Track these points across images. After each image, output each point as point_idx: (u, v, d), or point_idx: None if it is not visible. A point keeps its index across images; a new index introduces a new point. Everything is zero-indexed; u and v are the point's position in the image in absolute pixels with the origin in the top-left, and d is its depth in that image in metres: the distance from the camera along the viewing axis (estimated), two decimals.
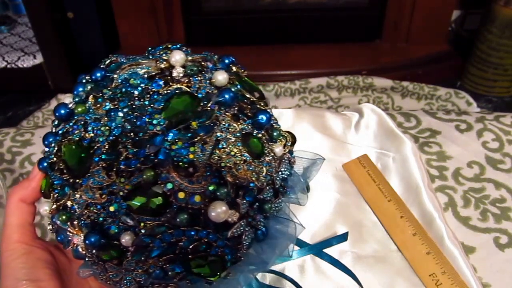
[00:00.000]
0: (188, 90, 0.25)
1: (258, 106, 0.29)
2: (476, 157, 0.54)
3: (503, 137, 0.56)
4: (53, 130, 0.28)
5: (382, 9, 1.46)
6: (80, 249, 0.27)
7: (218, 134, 0.25)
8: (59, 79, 1.44)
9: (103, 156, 0.24)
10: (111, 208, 0.24)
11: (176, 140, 0.24)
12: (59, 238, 0.28)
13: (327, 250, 0.42)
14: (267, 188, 0.27)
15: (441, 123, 0.58)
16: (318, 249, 0.41)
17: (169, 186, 0.24)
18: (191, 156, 0.24)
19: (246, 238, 0.26)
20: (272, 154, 0.28)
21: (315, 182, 0.47)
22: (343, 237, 0.42)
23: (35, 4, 1.30)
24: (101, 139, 0.25)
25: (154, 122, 0.24)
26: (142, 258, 0.25)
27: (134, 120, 0.25)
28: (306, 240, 0.43)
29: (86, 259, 0.27)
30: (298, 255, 0.41)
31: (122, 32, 1.46)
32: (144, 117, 0.25)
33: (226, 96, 0.26)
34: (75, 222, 0.26)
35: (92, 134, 0.25)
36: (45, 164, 0.27)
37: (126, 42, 1.47)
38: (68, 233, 0.27)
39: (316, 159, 0.34)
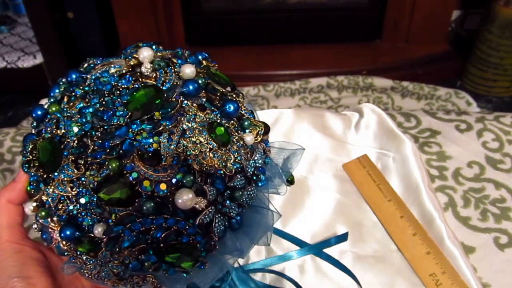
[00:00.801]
0: (153, 83, 0.26)
1: (228, 97, 0.29)
2: (476, 157, 0.54)
3: (503, 137, 0.56)
4: (32, 132, 0.29)
5: (382, 9, 1.46)
6: (61, 245, 0.27)
7: (185, 124, 0.25)
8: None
9: (72, 150, 0.25)
10: (82, 200, 0.25)
11: (140, 131, 0.25)
12: (44, 236, 0.28)
13: (327, 250, 0.42)
14: (238, 176, 0.27)
15: (441, 123, 0.58)
16: (318, 249, 0.41)
17: (134, 175, 0.24)
18: (155, 145, 0.24)
19: (217, 225, 0.26)
20: (242, 143, 0.28)
21: (315, 182, 0.48)
22: (343, 237, 0.42)
23: (35, 4, 1.30)
24: (71, 134, 0.25)
25: (118, 114, 0.25)
26: (116, 249, 0.25)
27: (102, 114, 0.25)
28: (306, 240, 0.43)
29: (66, 254, 0.27)
30: (298, 255, 0.41)
31: (122, 32, 1.46)
32: (110, 111, 0.25)
33: (190, 87, 0.26)
34: (55, 218, 0.26)
35: (64, 131, 0.26)
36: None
37: (126, 42, 1.47)
38: (49, 229, 0.27)
39: (296, 149, 0.34)
